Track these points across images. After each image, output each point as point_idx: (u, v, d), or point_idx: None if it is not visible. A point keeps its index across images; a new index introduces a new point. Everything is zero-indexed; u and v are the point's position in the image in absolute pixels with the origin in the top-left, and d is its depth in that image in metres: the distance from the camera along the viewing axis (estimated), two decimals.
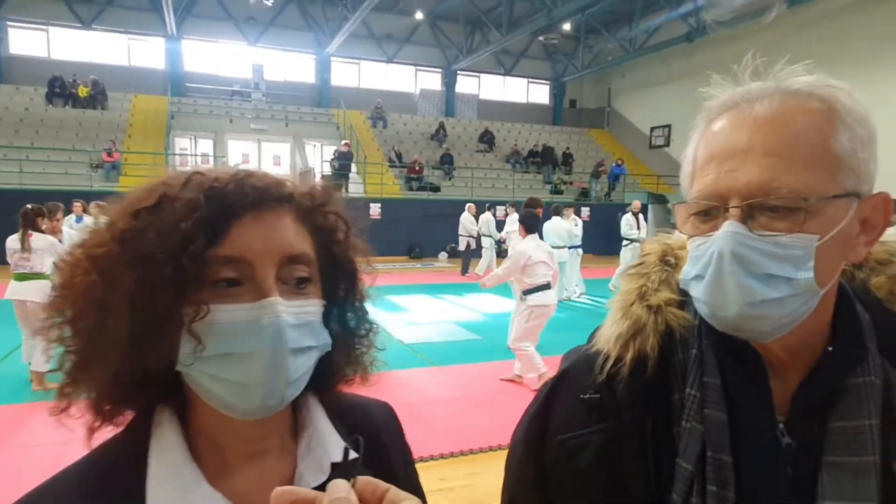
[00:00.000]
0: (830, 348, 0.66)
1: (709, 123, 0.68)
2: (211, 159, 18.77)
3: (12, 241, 5.21)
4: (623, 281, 0.81)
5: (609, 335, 0.76)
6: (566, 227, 10.04)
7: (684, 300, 0.75)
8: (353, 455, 0.49)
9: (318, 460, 0.67)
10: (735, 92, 0.66)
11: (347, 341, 0.73)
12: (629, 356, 0.73)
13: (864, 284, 0.74)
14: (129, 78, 20.58)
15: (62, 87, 18.84)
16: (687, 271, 0.68)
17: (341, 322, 0.72)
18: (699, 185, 0.66)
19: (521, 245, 5.55)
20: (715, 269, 0.63)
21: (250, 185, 0.62)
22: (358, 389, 0.78)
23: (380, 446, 0.77)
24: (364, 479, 0.46)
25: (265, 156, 20.93)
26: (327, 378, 0.73)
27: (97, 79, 19.12)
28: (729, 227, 0.62)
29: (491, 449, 4.13)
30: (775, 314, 0.62)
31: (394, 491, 0.46)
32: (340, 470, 0.47)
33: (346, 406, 0.77)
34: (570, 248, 10.12)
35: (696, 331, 0.73)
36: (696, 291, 0.67)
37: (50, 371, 0.63)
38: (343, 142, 18.91)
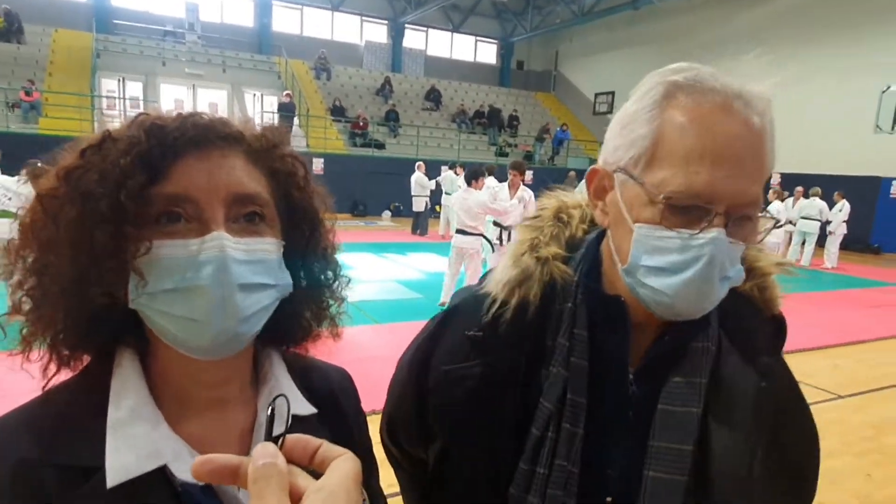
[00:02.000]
0: None
1: (680, 100, 0.67)
2: (141, 103, 17.68)
3: None
4: (518, 231, 0.87)
5: (499, 280, 0.82)
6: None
7: (569, 256, 0.83)
8: (281, 417, 0.48)
9: (279, 411, 0.69)
10: (722, 87, 0.66)
11: (314, 292, 0.73)
12: (514, 301, 0.80)
13: None
14: (48, 10, 18.95)
15: None
16: (636, 255, 0.70)
17: (306, 270, 0.71)
18: (684, 181, 0.65)
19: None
20: (702, 272, 0.66)
21: (192, 122, 0.62)
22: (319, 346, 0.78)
23: (337, 407, 0.78)
24: (293, 438, 0.45)
25: (201, 103, 19.89)
26: (293, 331, 0.74)
27: (10, 9, 17.47)
28: (716, 235, 0.65)
29: None
30: (713, 305, 0.71)
31: (326, 446, 0.46)
32: (267, 430, 0.45)
33: (305, 366, 0.77)
34: None
35: (574, 285, 0.79)
36: (657, 283, 0.69)
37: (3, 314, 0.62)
38: (284, 92, 18.22)
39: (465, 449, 0.81)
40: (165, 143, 0.59)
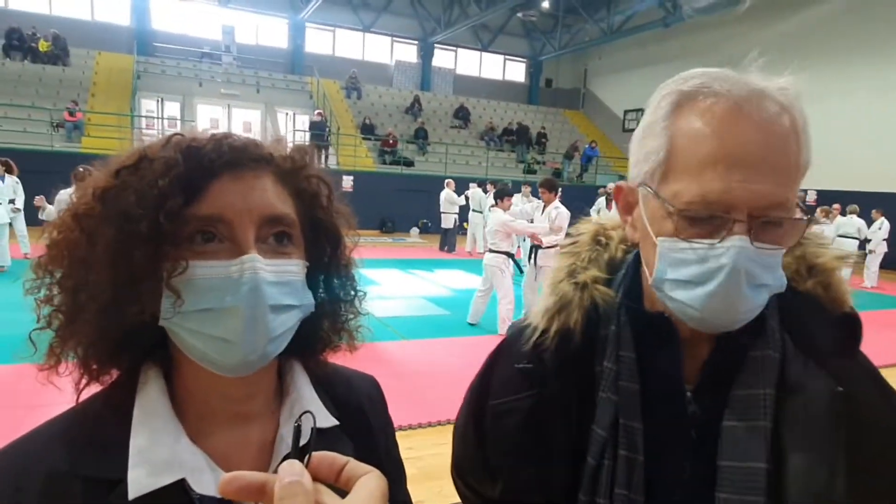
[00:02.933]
0: None
1: (690, 109, 0.66)
2: (179, 123, 18.21)
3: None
4: (556, 258, 0.86)
5: (538, 309, 0.82)
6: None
7: (611, 278, 0.81)
8: (305, 432, 0.48)
9: (305, 427, 0.69)
10: (733, 90, 0.64)
11: (333, 307, 0.74)
12: (554, 328, 0.79)
13: None
14: (92, 33, 19.75)
15: (20, 40, 17.94)
16: (661, 270, 0.68)
17: (327, 287, 0.73)
18: (699, 191, 0.63)
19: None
20: (725, 282, 0.63)
21: (228, 145, 0.63)
22: (339, 360, 0.79)
23: (362, 417, 0.78)
24: (319, 455, 0.45)
25: (235, 122, 20.39)
26: (312, 344, 0.75)
27: (58, 33, 18.27)
28: (741, 243, 0.62)
29: None
30: (752, 315, 0.67)
31: (352, 464, 0.46)
32: (293, 447, 0.46)
33: (330, 375, 0.78)
34: None
35: (616, 307, 0.78)
36: (685, 297, 0.66)
37: (37, 329, 0.64)
38: (316, 111, 18.57)
39: (521, 483, 0.79)
40: (202, 165, 0.61)
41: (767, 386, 0.69)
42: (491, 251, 6.71)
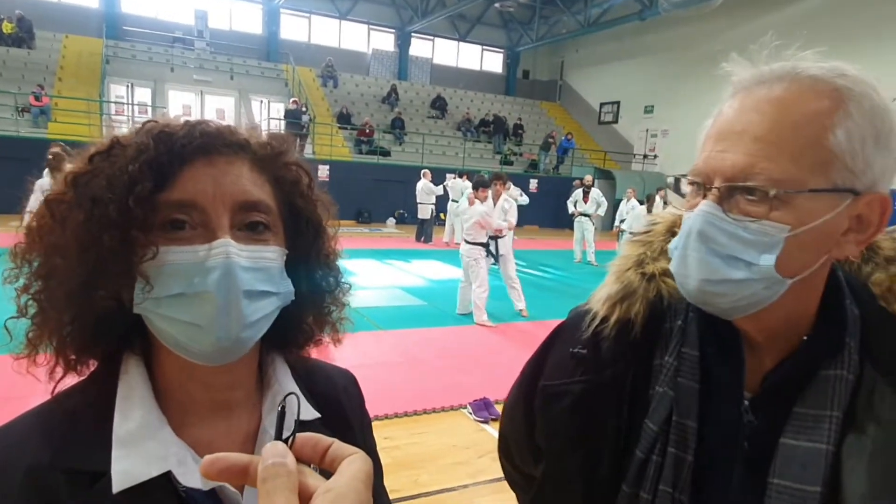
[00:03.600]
0: (806, 338, 0.68)
1: (723, 103, 0.68)
2: (149, 109, 17.80)
3: None
4: (626, 246, 0.85)
5: (600, 296, 0.81)
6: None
7: None
8: (290, 412, 0.47)
9: (289, 410, 0.69)
10: (749, 73, 0.65)
11: (316, 298, 0.73)
12: (614, 317, 0.78)
13: (866, 280, 0.73)
14: (58, 16, 19.12)
15: None
16: (674, 242, 0.71)
17: (309, 277, 0.72)
18: (695, 162, 0.68)
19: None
20: (683, 244, 0.66)
21: (200, 130, 0.62)
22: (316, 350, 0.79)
23: (340, 410, 0.78)
24: (303, 436, 0.45)
25: (208, 109, 20.01)
26: (295, 337, 0.74)
27: (23, 14, 17.66)
28: (702, 207, 0.64)
29: (434, 410, 4.24)
30: (733, 294, 0.64)
31: (337, 445, 0.45)
32: (277, 429, 0.45)
33: (310, 369, 0.78)
34: None
35: (685, 303, 0.75)
36: (672, 265, 0.70)
37: (12, 318, 0.63)
38: (291, 99, 18.32)
39: (564, 467, 0.79)
40: (173, 151, 0.60)
41: (835, 408, 0.65)
42: (467, 242, 6.76)
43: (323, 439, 0.45)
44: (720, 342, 0.72)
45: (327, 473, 0.43)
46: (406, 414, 4.15)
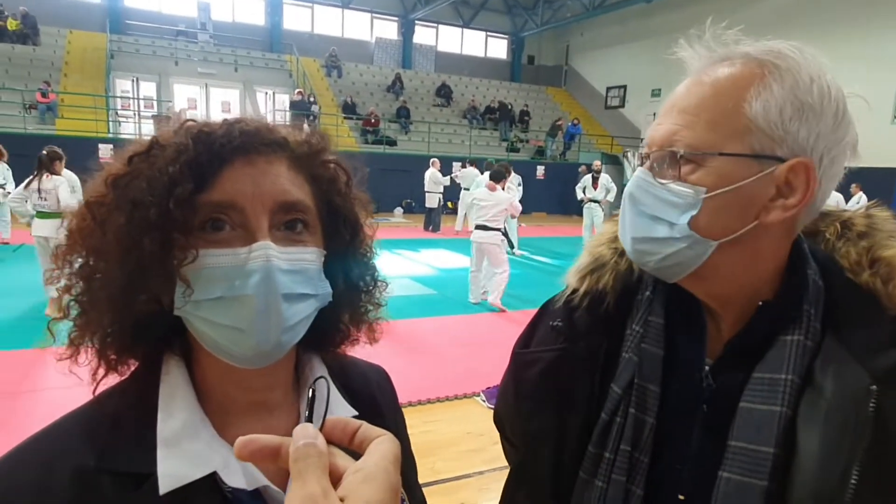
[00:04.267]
0: (761, 303, 0.71)
1: None
2: (155, 103, 17.82)
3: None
4: (605, 224, 0.91)
5: (572, 269, 0.86)
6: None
7: None
8: (321, 392, 0.48)
9: (320, 416, 0.69)
10: (694, 57, 0.72)
11: (352, 297, 0.73)
12: (583, 288, 0.83)
13: (835, 253, 0.75)
14: (62, 11, 19.10)
15: None
16: None
17: (346, 276, 0.71)
18: None
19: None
20: (621, 207, 0.75)
21: (239, 129, 0.62)
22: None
23: (376, 406, 0.79)
24: (333, 420, 0.46)
25: (213, 102, 20.02)
26: (332, 336, 0.74)
27: (28, 11, 17.66)
28: (637, 173, 0.72)
29: (447, 399, 4.26)
30: (658, 251, 0.70)
31: (365, 427, 0.46)
32: (308, 411, 0.46)
33: (346, 367, 0.78)
34: None
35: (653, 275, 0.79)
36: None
37: (56, 318, 0.63)
38: (296, 90, 18.28)
39: (536, 429, 0.83)
40: (213, 151, 0.60)
41: (792, 372, 0.67)
42: (490, 228, 6.75)
43: (352, 422, 0.46)
44: (684, 310, 0.76)
45: (357, 456, 0.43)
46: (419, 402, 4.19)
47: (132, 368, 0.65)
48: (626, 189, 0.73)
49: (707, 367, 0.74)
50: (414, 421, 3.89)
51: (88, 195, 0.61)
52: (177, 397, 0.62)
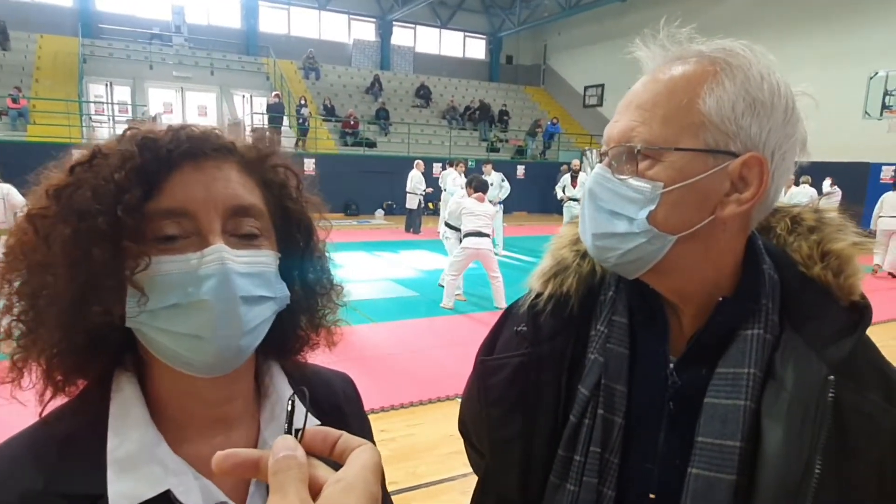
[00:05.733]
0: (721, 299, 0.72)
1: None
2: (130, 108, 17.55)
3: None
4: (564, 227, 0.90)
5: (535, 273, 0.86)
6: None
7: None
8: (299, 408, 0.48)
9: (283, 426, 0.68)
10: (650, 57, 0.73)
11: (309, 301, 0.72)
12: (547, 292, 0.83)
13: (787, 248, 0.77)
14: (33, 15, 18.73)
15: None
16: None
17: (302, 280, 0.70)
18: None
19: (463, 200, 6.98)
20: (581, 204, 0.76)
21: (186, 134, 0.61)
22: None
23: (340, 415, 0.77)
24: (313, 430, 0.46)
25: (189, 106, 19.76)
26: (291, 342, 0.73)
27: None
28: (595, 169, 0.73)
29: (430, 401, 4.25)
30: (619, 247, 0.70)
31: (346, 437, 0.46)
32: (287, 423, 0.45)
33: (309, 377, 0.76)
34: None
35: (617, 275, 0.80)
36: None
37: None
38: (273, 93, 18.13)
39: (504, 435, 0.82)
40: (160, 157, 0.58)
41: (754, 366, 0.69)
42: (484, 234, 6.67)
43: (332, 432, 0.46)
44: (646, 309, 0.76)
45: (338, 466, 0.43)
46: (402, 406, 4.17)
47: (79, 388, 0.63)
48: (585, 186, 0.74)
49: (671, 365, 0.74)
50: (396, 425, 3.88)
51: (28, 209, 0.58)
52: (128, 415, 0.60)
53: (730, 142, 0.66)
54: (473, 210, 6.72)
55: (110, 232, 0.55)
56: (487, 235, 6.74)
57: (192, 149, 0.60)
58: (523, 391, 0.81)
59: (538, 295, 0.84)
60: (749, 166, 0.67)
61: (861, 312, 0.70)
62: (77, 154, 0.60)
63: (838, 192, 12.20)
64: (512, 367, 0.82)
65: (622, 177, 0.70)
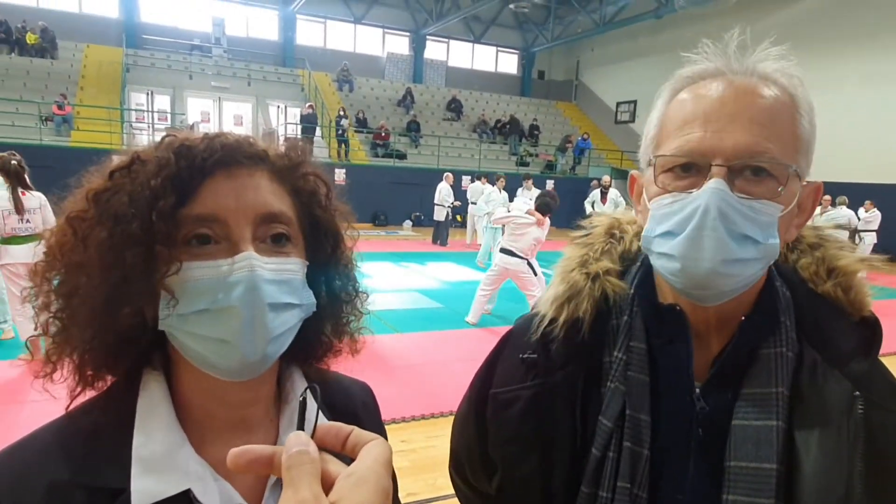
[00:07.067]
0: (744, 318, 0.70)
1: (684, 88, 0.70)
2: (169, 116, 18.06)
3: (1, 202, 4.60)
4: (568, 248, 0.86)
5: (547, 298, 0.81)
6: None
7: (624, 270, 0.81)
8: (311, 404, 0.48)
9: (311, 423, 0.68)
10: (716, 62, 0.69)
11: (335, 308, 0.73)
12: (562, 318, 0.78)
13: (794, 265, 0.77)
14: (80, 26, 19.50)
15: (8, 33, 17.73)
16: (650, 229, 0.70)
17: (328, 287, 0.71)
18: (679, 143, 0.66)
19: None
20: (698, 223, 0.64)
21: (220, 143, 0.62)
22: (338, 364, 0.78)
23: (356, 423, 0.77)
24: (325, 426, 0.46)
25: (226, 115, 20.25)
26: (315, 348, 0.74)
27: (46, 26, 18.03)
28: (715, 184, 0.63)
29: (451, 413, 4.22)
30: (741, 274, 0.65)
31: (357, 432, 0.46)
32: (299, 419, 0.46)
33: (328, 384, 0.77)
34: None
35: (630, 299, 0.77)
36: (665, 247, 0.67)
37: (35, 335, 0.63)
38: (307, 104, 18.46)
39: (521, 474, 0.78)
40: (194, 164, 0.60)
41: (780, 385, 0.67)
42: (517, 256, 6.33)
43: (344, 427, 0.47)
44: (667, 333, 0.73)
45: (350, 461, 0.44)
46: (423, 417, 4.16)
47: (108, 383, 0.65)
48: (704, 205, 0.63)
49: (697, 390, 0.71)
50: (417, 436, 3.87)
51: (68, 211, 0.61)
52: (155, 413, 0.61)
53: (808, 167, 0.67)
54: (514, 230, 6.33)
55: (144, 236, 0.57)
56: (521, 257, 6.33)
57: (226, 157, 0.62)
58: (538, 425, 0.77)
59: (552, 321, 0.79)
60: (815, 192, 0.70)
61: (872, 328, 0.71)
62: (117, 160, 0.62)
63: (878, 215, 11.85)
64: (525, 400, 0.78)
65: (744, 196, 0.64)
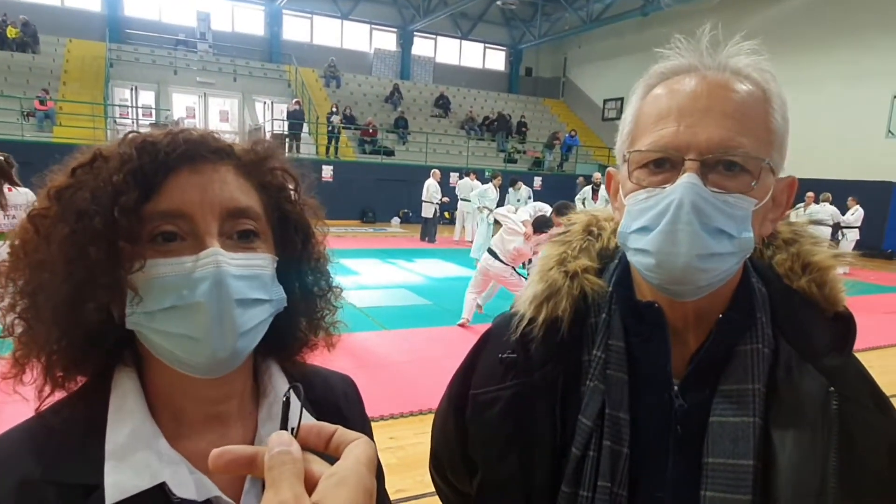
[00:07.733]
0: (721, 315, 0.71)
1: (658, 84, 0.70)
2: (153, 112, 17.85)
3: None
4: (546, 247, 0.85)
5: (526, 297, 0.81)
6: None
7: (602, 268, 0.81)
8: (294, 403, 0.48)
9: (294, 423, 0.68)
10: (690, 58, 0.69)
11: (308, 303, 0.73)
12: (542, 317, 0.78)
13: (770, 261, 0.77)
14: (62, 20, 19.18)
15: None
16: (626, 225, 0.70)
17: (300, 282, 0.71)
18: (653, 138, 0.66)
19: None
20: (672, 217, 0.64)
21: (183, 138, 0.62)
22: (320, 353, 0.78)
23: (340, 417, 0.77)
24: (308, 425, 0.46)
25: (212, 111, 20.05)
26: (289, 343, 0.74)
27: (28, 19, 17.72)
28: (689, 179, 0.63)
29: None
30: (717, 268, 0.65)
31: (340, 432, 0.46)
32: (283, 419, 0.46)
33: (307, 375, 0.77)
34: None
35: (608, 297, 0.77)
36: (641, 243, 0.67)
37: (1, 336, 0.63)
38: (294, 100, 18.34)
39: (501, 474, 0.78)
40: (157, 160, 0.60)
41: (757, 381, 0.68)
42: (497, 258, 6.31)
43: (327, 426, 0.46)
44: (645, 331, 0.73)
45: (334, 461, 0.43)
46: (411, 413, 4.16)
47: (78, 385, 0.65)
48: (677, 199, 0.64)
49: (676, 387, 0.71)
50: (405, 433, 3.87)
51: (31, 210, 0.60)
52: (127, 408, 0.61)
53: (781, 161, 0.67)
54: (505, 232, 6.31)
55: (106, 232, 0.56)
56: (505, 263, 6.26)
57: (189, 151, 0.61)
58: (518, 425, 0.77)
59: (531, 320, 0.79)
60: (790, 186, 0.70)
61: (847, 324, 0.71)
62: (79, 156, 0.62)
63: (860, 211, 12.03)
64: (505, 401, 0.78)
65: (719, 190, 0.64)
